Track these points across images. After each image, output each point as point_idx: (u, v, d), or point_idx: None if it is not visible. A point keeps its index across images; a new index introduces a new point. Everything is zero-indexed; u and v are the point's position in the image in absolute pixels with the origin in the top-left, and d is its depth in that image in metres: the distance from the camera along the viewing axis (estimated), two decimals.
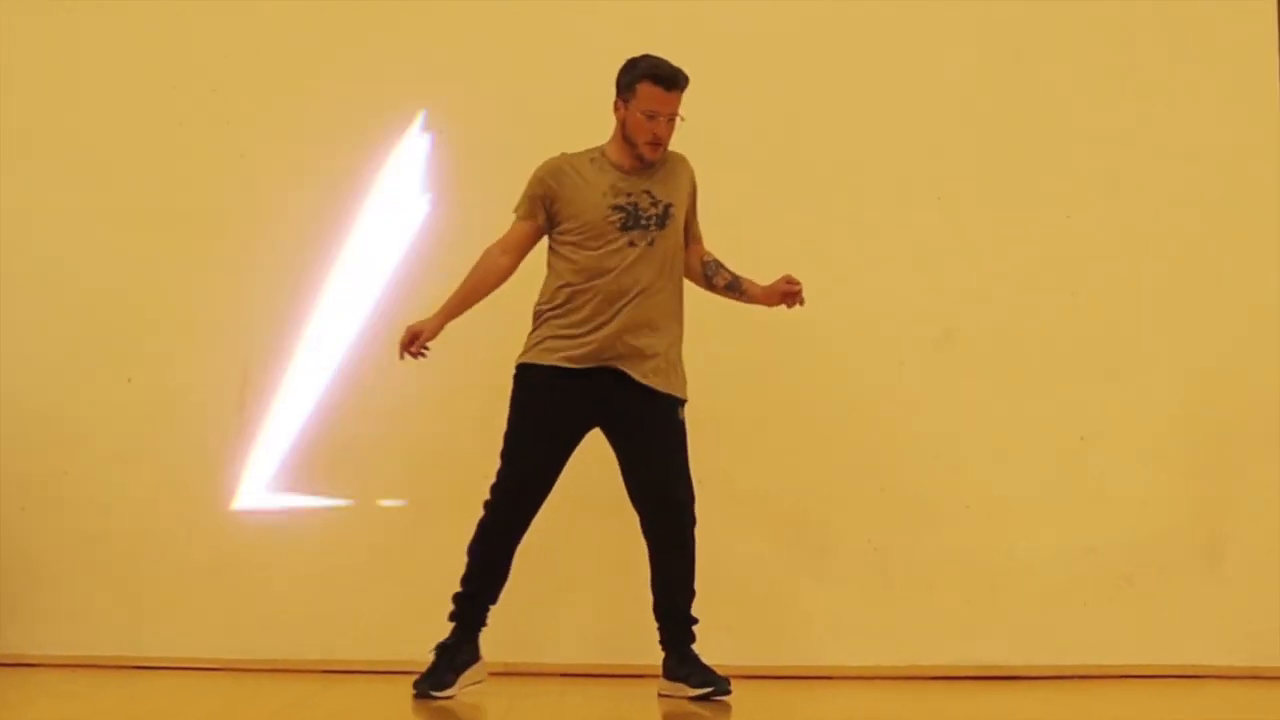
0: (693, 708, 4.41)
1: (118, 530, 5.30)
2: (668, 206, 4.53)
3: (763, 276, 5.19)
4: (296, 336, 5.40)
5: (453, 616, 4.53)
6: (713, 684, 4.49)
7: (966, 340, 5.42)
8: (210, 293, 5.42)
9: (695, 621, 4.63)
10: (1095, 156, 5.50)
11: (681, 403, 4.60)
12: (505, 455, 4.53)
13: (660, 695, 4.61)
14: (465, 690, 4.49)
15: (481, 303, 4.67)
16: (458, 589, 4.55)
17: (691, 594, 4.60)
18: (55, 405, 5.36)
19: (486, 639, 5.09)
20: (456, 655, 4.50)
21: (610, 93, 4.62)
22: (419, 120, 5.48)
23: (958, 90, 5.53)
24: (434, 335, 4.57)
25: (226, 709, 4.35)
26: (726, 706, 4.43)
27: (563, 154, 4.61)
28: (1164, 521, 5.36)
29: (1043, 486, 5.36)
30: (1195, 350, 5.45)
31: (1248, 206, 5.50)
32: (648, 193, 4.53)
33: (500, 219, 4.72)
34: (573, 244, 4.54)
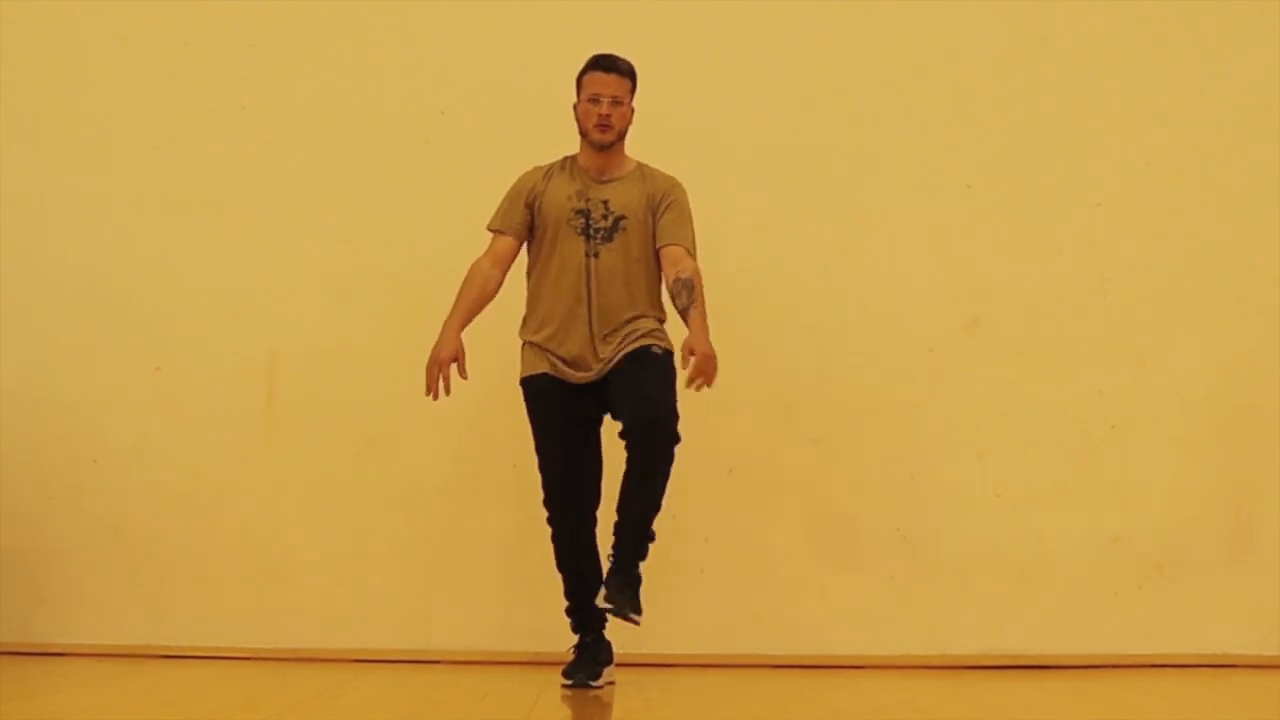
0: (715, 702, 4.29)
1: (145, 519, 5.26)
2: (619, 219, 4.49)
3: (795, 266, 5.30)
4: (324, 325, 5.32)
5: (574, 628, 4.56)
6: (615, 605, 4.27)
7: (995, 328, 5.36)
8: (238, 281, 5.35)
9: (652, 538, 4.37)
10: (1125, 144, 5.44)
11: (658, 346, 4.42)
12: (538, 466, 4.53)
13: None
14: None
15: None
16: (566, 603, 4.58)
17: (657, 510, 4.36)
18: (83, 395, 5.31)
19: (511, 631, 5.15)
20: (599, 652, 4.52)
21: None
22: (443, 111, 5.39)
23: (987, 79, 5.47)
24: (462, 351, 4.45)
25: (252, 698, 4.25)
26: (759, 696, 4.35)
27: (535, 166, 4.64)
28: (1193, 510, 5.32)
29: (1072, 474, 5.33)
30: (1224, 338, 5.39)
31: (1275, 196, 5.41)
32: (604, 203, 4.52)
33: None
34: (536, 248, 4.58)
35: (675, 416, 4.33)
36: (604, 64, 4.49)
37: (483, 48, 5.40)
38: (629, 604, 4.27)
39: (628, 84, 4.51)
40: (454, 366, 4.44)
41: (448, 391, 4.42)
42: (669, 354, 4.44)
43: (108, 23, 5.43)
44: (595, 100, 4.47)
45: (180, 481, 5.25)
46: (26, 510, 5.22)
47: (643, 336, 4.43)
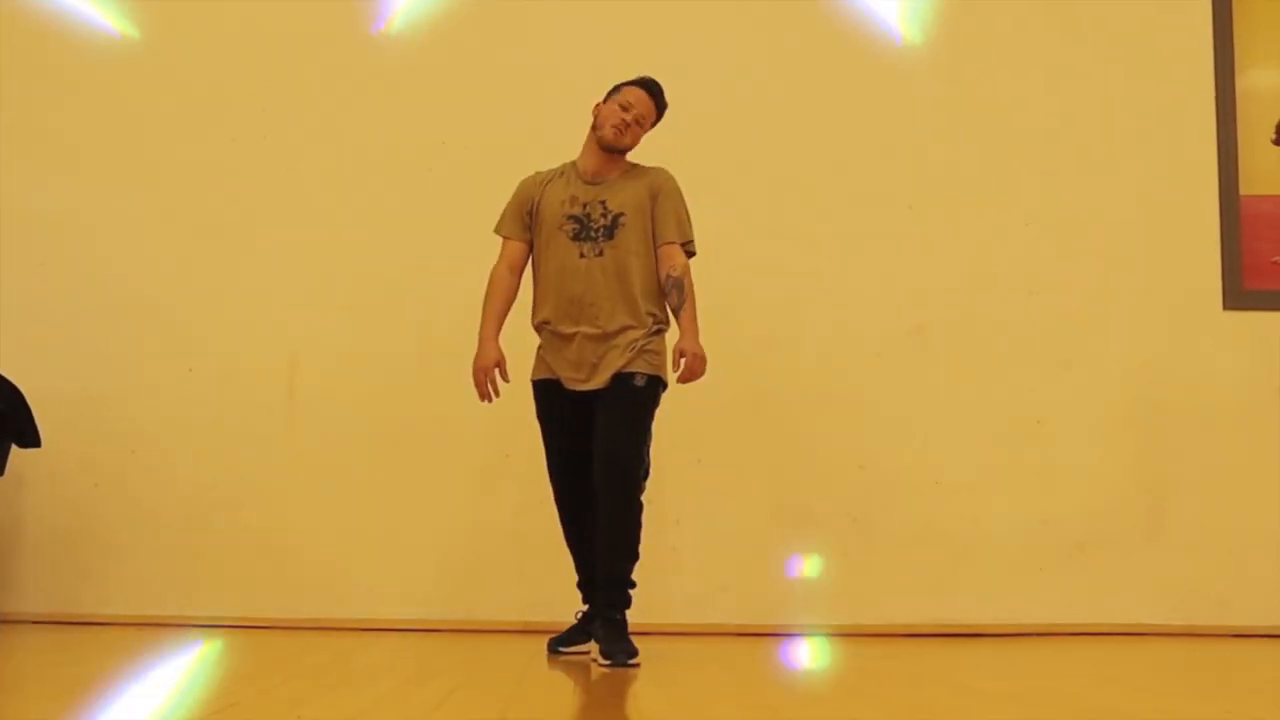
0: (686, 666, 4.25)
1: (179, 503, 5.40)
2: (617, 217, 4.34)
3: (755, 278, 5.41)
4: (339, 332, 5.47)
5: (584, 599, 4.50)
6: (612, 657, 4.17)
7: (936, 334, 5.52)
8: (263, 293, 5.51)
9: (632, 585, 4.31)
10: (1050, 170, 5.61)
11: (641, 375, 4.28)
12: (545, 458, 4.49)
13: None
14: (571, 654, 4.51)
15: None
16: (577, 577, 4.51)
17: (630, 557, 4.27)
18: (124, 392, 5.46)
19: (505, 603, 5.27)
20: (587, 624, 4.45)
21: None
22: (444, 142, 5.55)
23: (929, 110, 5.63)
24: (503, 357, 4.39)
25: (274, 661, 4.29)
26: (725, 660, 4.41)
27: (536, 172, 4.54)
28: (1111, 495, 5.47)
29: (1003, 464, 5.47)
30: (1138, 343, 5.55)
31: (1183, 216, 5.60)
32: (602, 203, 4.37)
33: None
34: (536, 252, 4.47)
35: (637, 461, 4.23)
36: (648, 86, 4.42)
37: (477, 89, 5.55)
38: (622, 651, 4.14)
39: (655, 113, 4.43)
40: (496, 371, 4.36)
41: (497, 394, 4.34)
42: (652, 381, 4.31)
43: (144, 65, 5.59)
44: (626, 107, 4.37)
45: (210, 470, 5.37)
46: (75, 496, 5.36)
47: (637, 355, 4.28)
